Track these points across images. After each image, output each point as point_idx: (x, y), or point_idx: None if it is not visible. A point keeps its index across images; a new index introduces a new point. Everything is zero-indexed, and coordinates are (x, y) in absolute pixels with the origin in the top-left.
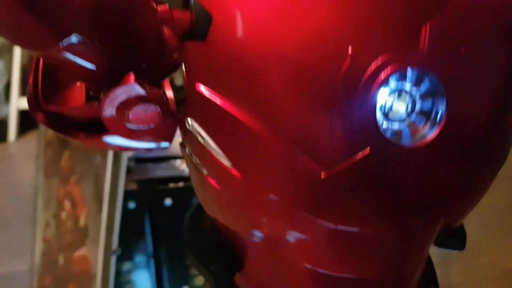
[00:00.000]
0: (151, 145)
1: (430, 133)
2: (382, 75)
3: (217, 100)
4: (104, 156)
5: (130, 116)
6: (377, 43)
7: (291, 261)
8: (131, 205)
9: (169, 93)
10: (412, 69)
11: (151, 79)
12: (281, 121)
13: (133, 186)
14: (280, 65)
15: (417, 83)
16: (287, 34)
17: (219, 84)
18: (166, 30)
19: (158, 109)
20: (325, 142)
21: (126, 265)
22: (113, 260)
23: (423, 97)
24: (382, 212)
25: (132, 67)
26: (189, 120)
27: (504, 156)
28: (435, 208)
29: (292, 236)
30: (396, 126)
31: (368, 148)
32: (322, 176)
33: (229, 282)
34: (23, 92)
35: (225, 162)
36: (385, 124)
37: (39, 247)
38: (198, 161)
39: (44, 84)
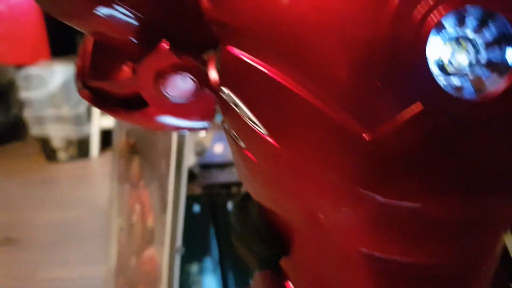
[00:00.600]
0: (192, 122)
1: (499, 86)
2: (434, 18)
3: (250, 61)
4: (168, 160)
5: (166, 86)
6: None
7: (343, 245)
8: (196, 208)
9: (209, 67)
10: (473, 9)
11: (191, 50)
12: (322, 80)
13: (198, 191)
14: (321, 19)
15: (479, 27)
16: None
17: (254, 45)
18: None
19: (195, 79)
20: (372, 102)
21: (194, 267)
22: (177, 259)
23: (488, 45)
24: (447, 184)
25: (170, 37)
26: (224, 89)
27: None
28: (508, 185)
29: (343, 215)
30: (457, 81)
31: (419, 103)
32: (368, 138)
33: (272, 266)
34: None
35: (261, 130)
36: (443, 79)
37: (114, 251)
38: (235, 133)
39: (92, 65)
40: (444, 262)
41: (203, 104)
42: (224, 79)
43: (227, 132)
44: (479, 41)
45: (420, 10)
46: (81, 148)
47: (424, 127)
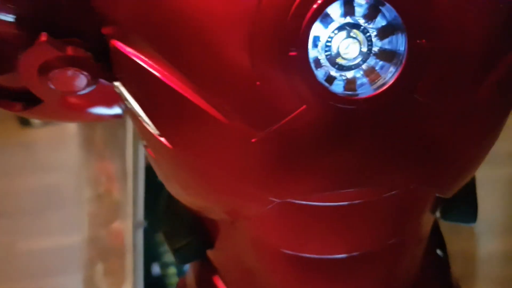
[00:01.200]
0: (98, 112)
1: (391, 76)
2: (315, 2)
3: (136, 58)
4: (126, 130)
5: (53, 81)
6: None
7: (258, 242)
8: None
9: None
10: None
11: (87, 40)
12: (205, 82)
13: None
14: (201, 20)
15: (369, 16)
16: None
17: (138, 41)
18: None
19: (85, 73)
20: (254, 103)
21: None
22: (140, 232)
23: (380, 33)
24: (338, 178)
25: (55, 28)
26: (116, 83)
27: (498, 118)
28: (404, 172)
29: (250, 214)
30: (349, 74)
31: (304, 106)
32: (254, 140)
33: (194, 258)
34: None
35: (153, 130)
36: (333, 72)
37: (85, 220)
38: (137, 130)
39: None
40: (358, 251)
41: (105, 93)
42: (115, 74)
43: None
44: (371, 30)
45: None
46: None
47: (310, 125)
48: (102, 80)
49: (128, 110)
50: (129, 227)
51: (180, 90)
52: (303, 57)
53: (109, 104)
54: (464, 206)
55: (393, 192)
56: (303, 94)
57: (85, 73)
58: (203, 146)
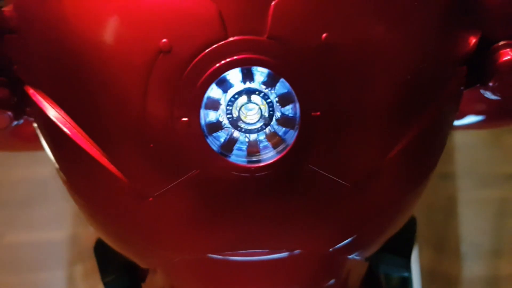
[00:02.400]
0: (30, 147)
1: (290, 145)
2: (210, 67)
3: (43, 108)
4: None
5: None
6: (195, 31)
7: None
8: None
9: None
10: (251, 61)
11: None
12: (103, 136)
13: None
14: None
15: (268, 83)
16: (98, 21)
17: (45, 87)
18: None
19: (8, 112)
20: (149, 162)
21: None
22: None
23: (281, 101)
24: (229, 239)
25: None
26: (34, 124)
27: (402, 189)
28: (299, 236)
29: (153, 265)
30: (252, 136)
31: (197, 170)
32: (150, 199)
33: None
34: None
35: (62, 177)
36: (236, 133)
37: (69, 217)
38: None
39: None
40: None
41: (25, 132)
42: (30, 114)
43: None
44: (272, 96)
45: (189, 63)
46: None
47: (203, 188)
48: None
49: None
50: None
51: (82, 144)
52: (194, 122)
53: (28, 141)
54: (395, 257)
55: (296, 252)
56: (195, 159)
57: (8, 113)
58: (102, 200)
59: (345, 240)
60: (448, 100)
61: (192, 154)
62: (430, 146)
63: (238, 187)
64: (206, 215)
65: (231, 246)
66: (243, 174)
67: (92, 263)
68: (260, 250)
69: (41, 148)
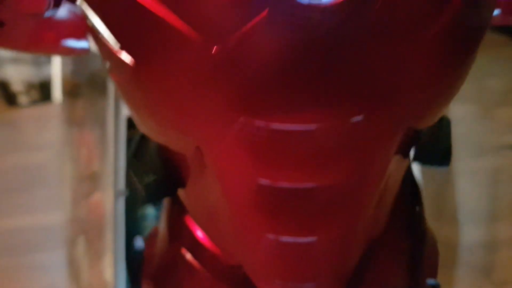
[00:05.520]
0: (65, 41)
1: None
2: None
3: None
4: (106, 99)
5: (15, 1)
6: None
7: (230, 176)
8: None
9: None
10: None
11: None
12: None
13: None
14: None
15: None
16: None
17: None
18: None
19: None
20: (216, 12)
21: (149, 210)
22: (121, 202)
23: None
24: (308, 96)
25: None
26: (79, 2)
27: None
28: (366, 91)
29: (221, 144)
30: None
31: (265, 10)
32: (214, 50)
33: (163, 195)
34: None
35: (115, 45)
36: None
37: (68, 195)
38: (100, 54)
39: None
40: (328, 183)
41: (72, 25)
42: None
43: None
44: None
45: None
46: (43, 91)
47: (272, 35)
48: (66, 7)
49: (92, 32)
50: (109, 196)
51: (141, 0)
52: None
53: (75, 36)
54: (437, 148)
55: (358, 118)
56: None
57: None
58: (165, 58)
59: (433, 102)
60: None
61: None
62: (473, 21)
63: (305, 35)
64: (273, 66)
65: (296, 101)
66: (311, 15)
67: (92, 234)
68: (324, 108)
69: (60, 51)
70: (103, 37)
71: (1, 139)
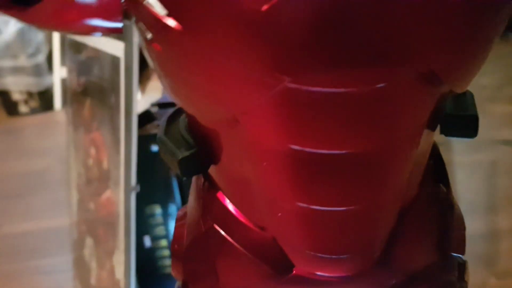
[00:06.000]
0: (99, 21)
1: None
2: None
3: None
4: (117, 95)
5: None
6: None
7: (261, 143)
8: (155, 148)
9: None
10: None
11: None
12: None
13: (157, 130)
14: None
15: None
16: None
17: None
18: None
19: None
20: None
21: (156, 209)
22: (133, 197)
23: None
24: (344, 55)
25: None
26: None
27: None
28: (410, 48)
29: (257, 110)
30: None
31: None
32: (264, 8)
33: (197, 171)
34: (64, 62)
35: (161, 11)
36: None
37: (74, 197)
38: (143, 26)
39: None
40: (359, 149)
41: (104, 5)
42: None
43: (140, 32)
44: None
45: None
46: (43, 100)
47: None
48: None
49: (134, 3)
50: (120, 193)
51: None
52: None
53: (107, 16)
54: (464, 119)
55: (383, 85)
56: None
57: None
58: (211, 19)
59: (466, 62)
60: None
61: None
62: None
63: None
64: (316, 26)
65: (335, 60)
66: None
67: (103, 232)
68: (358, 69)
69: (86, 30)
70: (148, 4)
71: (3, 147)
